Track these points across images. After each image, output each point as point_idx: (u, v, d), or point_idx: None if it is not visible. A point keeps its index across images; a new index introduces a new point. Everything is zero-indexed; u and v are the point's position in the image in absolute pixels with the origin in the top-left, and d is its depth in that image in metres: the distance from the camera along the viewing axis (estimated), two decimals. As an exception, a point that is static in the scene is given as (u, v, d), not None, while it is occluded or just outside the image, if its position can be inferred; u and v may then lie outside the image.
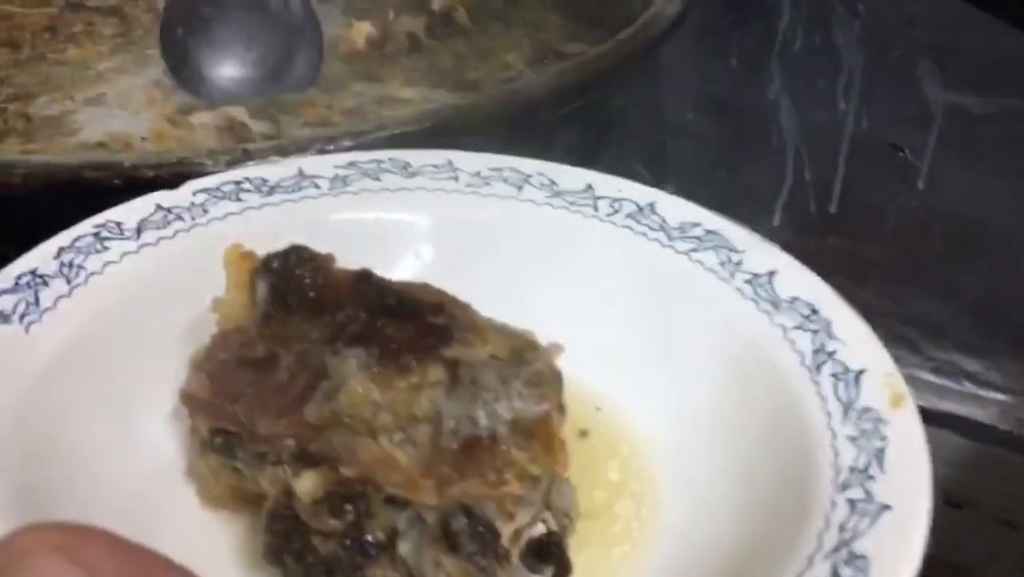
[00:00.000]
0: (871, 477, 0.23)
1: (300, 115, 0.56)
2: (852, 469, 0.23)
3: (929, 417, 0.77)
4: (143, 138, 0.54)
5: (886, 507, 0.22)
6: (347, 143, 0.39)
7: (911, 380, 0.83)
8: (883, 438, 0.23)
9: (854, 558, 0.21)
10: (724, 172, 0.80)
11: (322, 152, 0.37)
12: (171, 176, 0.36)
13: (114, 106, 0.58)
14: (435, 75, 0.63)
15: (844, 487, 0.23)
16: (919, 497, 0.22)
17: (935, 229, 0.74)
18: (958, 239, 0.74)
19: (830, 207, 0.77)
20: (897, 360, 0.80)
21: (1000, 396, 0.77)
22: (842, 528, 0.21)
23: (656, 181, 0.80)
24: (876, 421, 0.24)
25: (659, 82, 0.78)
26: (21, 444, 0.23)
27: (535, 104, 0.43)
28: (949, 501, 0.82)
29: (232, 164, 0.37)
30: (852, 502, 0.22)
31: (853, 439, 0.24)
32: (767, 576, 0.21)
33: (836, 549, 0.21)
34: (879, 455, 0.23)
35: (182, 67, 0.55)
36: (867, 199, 0.75)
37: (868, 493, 0.22)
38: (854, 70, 0.72)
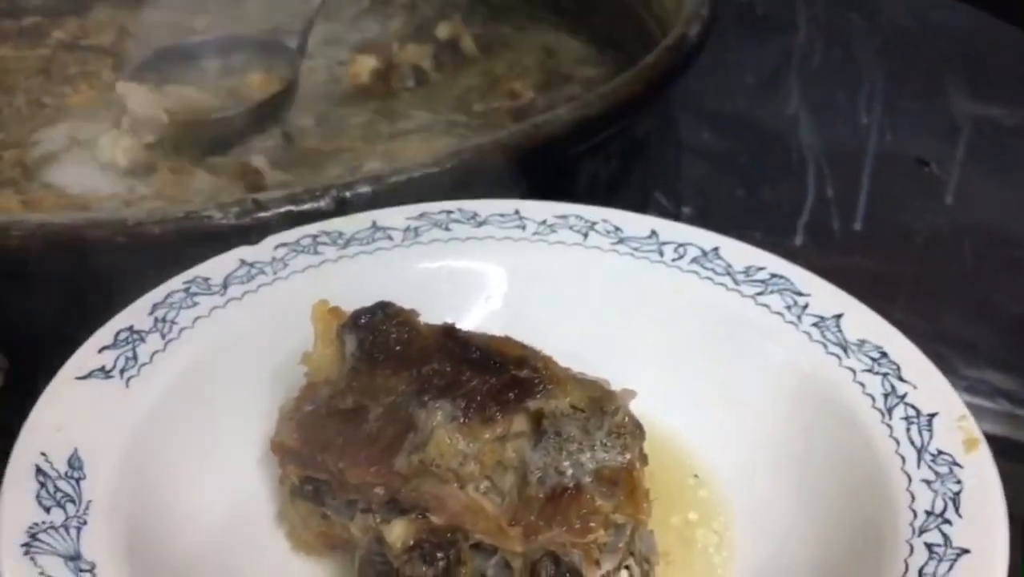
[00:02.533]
0: (948, 521, 0.24)
1: (320, 164, 0.54)
2: (929, 513, 0.24)
3: (965, 438, 0.73)
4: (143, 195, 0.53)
5: (965, 551, 0.23)
6: (364, 188, 0.39)
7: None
8: (958, 482, 0.25)
9: None
10: (743, 192, 0.80)
11: (338, 199, 0.37)
12: (176, 232, 0.36)
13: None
14: (444, 108, 0.63)
15: (922, 532, 0.24)
16: (996, 540, 0.23)
17: (965, 245, 0.74)
18: (990, 255, 0.73)
19: (854, 224, 0.77)
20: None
21: (1037, 415, 0.75)
22: (921, 572, 0.23)
23: (674, 203, 0.78)
24: (951, 465, 0.25)
25: (674, 102, 0.76)
26: (127, 492, 0.25)
27: (559, 139, 0.41)
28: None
29: (242, 215, 0.37)
30: (930, 547, 0.23)
31: (928, 483, 0.25)
32: None
33: None
34: (955, 499, 0.24)
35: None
36: (893, 216, 0.76)
37: (946, 537, 0.23)
38: (876, 83, 0.73)
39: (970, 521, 0.24)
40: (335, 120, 0.61)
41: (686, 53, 0.51)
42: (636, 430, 0.25)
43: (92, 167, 0.55)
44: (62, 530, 0.24)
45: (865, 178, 0.75)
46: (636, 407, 0.26)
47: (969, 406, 0.80)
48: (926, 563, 0.23)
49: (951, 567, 0.22)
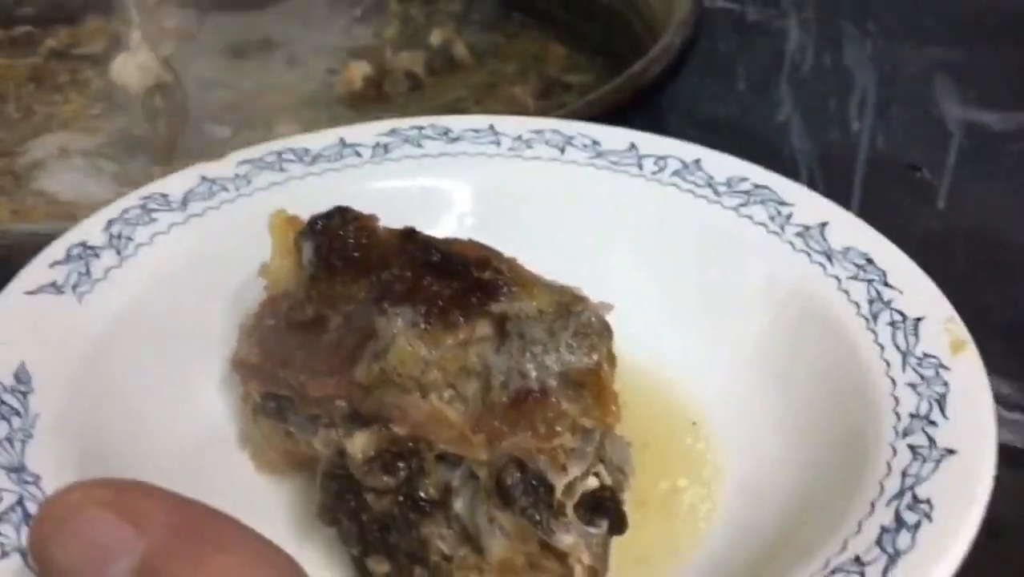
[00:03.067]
0: (933, 423, 0.23)
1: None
2: (913, 416, 0.23)
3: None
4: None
5: (950, 452, 0.22)
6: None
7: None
8: (945, 384, 0.24)
9: (917, 502, 0.21)
10: None
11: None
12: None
13: (104, 159, 0.58)
14: (437, 113, 0.62)
15: (906, 434, 0.23)
16: (984, 441, 0.23)
17: (958, 250, 0.74)
18: (983, 259, 0.73)
19: (847, 230, 0.77)
20: (924, 385, 0.77)
21: (1033, 420, 0.76)
22: (904, 474, 0.22)
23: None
24: (937, 367, 0.25)
25: (664, 109, 0.77)
26: (80, 409, 0.25)
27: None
28: (987, 530, 0.80)
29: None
30: (914, 448, 0.23)
31: (914, 386, 0.24)
32: (829, 523, 0.22)
33: (899, 494, 0.21)
34: (941, 401, 0.24)
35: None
36: (886, 221, 0.74)
37: (931, 439, 0.23)
38: (867, 89, 0.72)
39: (956, 422, 0.23)
40: (326, 126, 0.62)
41: (673, 60, 0.52)
42: (604, 331, 0.24)
43: (83, 173, 0.56)
44: (6, 443, 0.23)
45: (857, 183, 0.74)
46: (615, 322, 0.25)
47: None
48: (909, 464, 0.22)
49: (936, 467, 0.22)
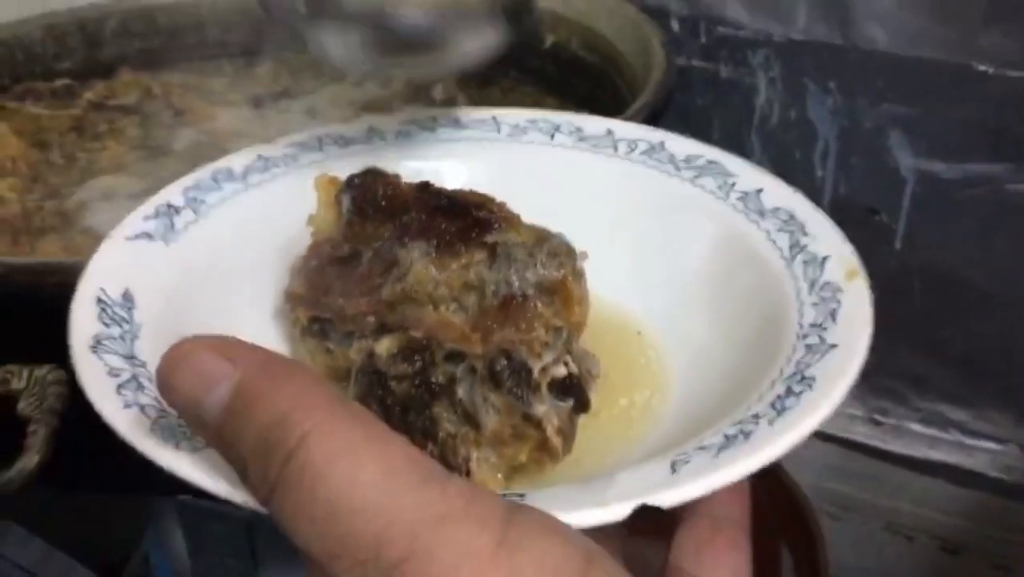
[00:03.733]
0: (824, 328, 0.29)
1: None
2: (812, 325, 0.29)
3: (921, 466, 0.81)
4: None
5: (833, 346, 0.28)
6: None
7: (900, 430, 0.88)
8: (838, 301, 0.30)
9: (804, 379, 0.27)
10: None
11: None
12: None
13: (138, 199, 0.61)
14: None
15: (805, 336, 0.29)
16: (860, 337, 0.29)
17: (915, 286, 0.79)
18: (937, 295, 0.79)
19: (815, 268, 0.81)
20: (885, 412, 0.84)
21: (988, 444, 0.82)
22: (799, 362, 0.28)
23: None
24: (834, 290, 0.31)
25: None
26: (168, 321, 0.31)
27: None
28: (946, 548, 0.85)
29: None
30: (809, 346, 0.29)
31: (815, 304, 0.30)
32: (745, 398, 0.28)
33: (792, 375, 0.28)
34: (833, 313, 0.30)
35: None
36: None
37: (822, 338, 0.29)
38: (829, 140, 0.77)
39: (841, 327, 0.29)
40: None
41: (649, 119, 0.55)
42: (570, 253, 0.30)
43: (126, 213, 0.61)
44: (119, 340, 0.29)
45: None
46: (593, 265, 0.31)
47: (921, 436, 0.85)
48: (803, 356, 0.28)
49: (821, 357, 0.28)
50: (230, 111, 0.74)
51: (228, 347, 0.23)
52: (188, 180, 0.36)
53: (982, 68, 0.69)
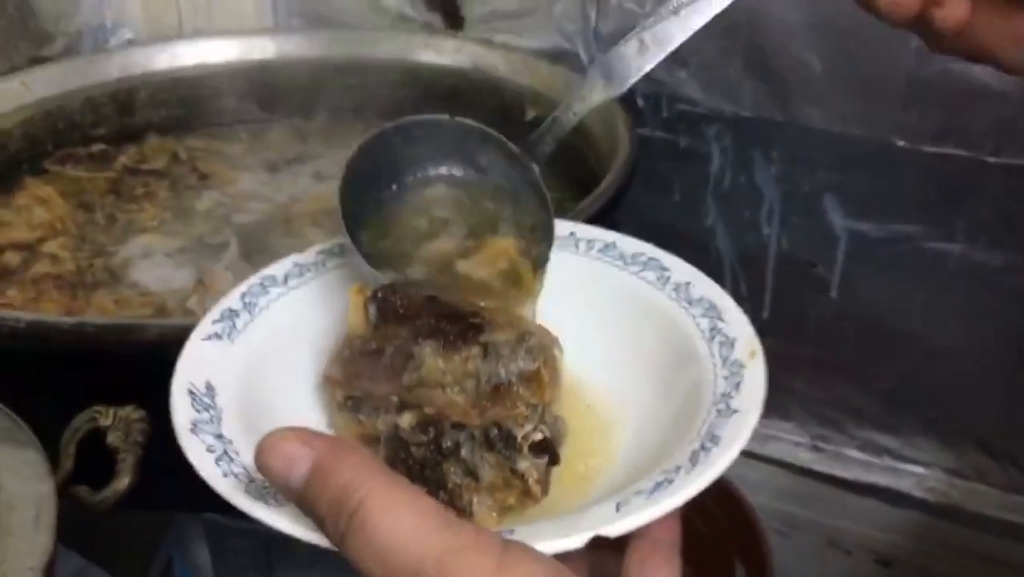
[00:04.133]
0: (731, 397, 0.37)
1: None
2: (723, 394, 0.37)
3: (858, 488, 0.92)
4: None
5: (736, 411, 0.36)
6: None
7: (838, 456, 0.99)
8: (741, 376, 0.38)
9: (713, 438, 0.35)
10: None
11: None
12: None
13: (182, 256, 0.70)
14: None
15: (716, 404, 0.37)
16: (755, 405, 0.36)
17: (849, 330, 0.88)
18: (868, 338, 0.87)
19: (763, 313, 0.91)
20: (826, 439, 0.94)
21: (915, 468, 0.91)
22: (711, 424, 0.36)
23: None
24: (739, 366, 0.38)
25: (616, 217, 0.90)
26: (241, 404, 0.38)
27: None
28: (879, 561, 0.95)
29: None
30: (719, 411, 0.36)
31: (726, 377, 0.38)
32: (672, 454, 0.35)
33: (705, 435, 0.35)
34: (738, 385, 0.37)
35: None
36: (792, 307, 0.89)
37: (728, 406, 0.36)
38: (774, 203, 0.85)
39: (743, 396, 0.36)
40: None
41: (614, 197, 0.63)
42: (542, 349, 0.38)
43: (166, 268, 0.68)
44: (210, 423, 0.36)
45: (769, 276, 0.87)
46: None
47: (857, 461, 0.95)
48: (715, 419, 0.35)
49: (727, 420, 0.35)
50: (248, 175, 0.82)
51: (305, 436, 0.31)
52: (243, 287, 0.43)
53: (901, 143, 0.76)
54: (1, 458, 0.42)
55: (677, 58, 0.82)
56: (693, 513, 0.88)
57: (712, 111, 0.83)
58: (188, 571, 0.79)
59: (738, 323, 0.40)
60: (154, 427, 0.46)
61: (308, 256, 0.45)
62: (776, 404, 0.93)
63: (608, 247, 0.45)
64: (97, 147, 0.85)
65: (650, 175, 0.87)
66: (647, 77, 0.87)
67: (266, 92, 0.91)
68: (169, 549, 0.80)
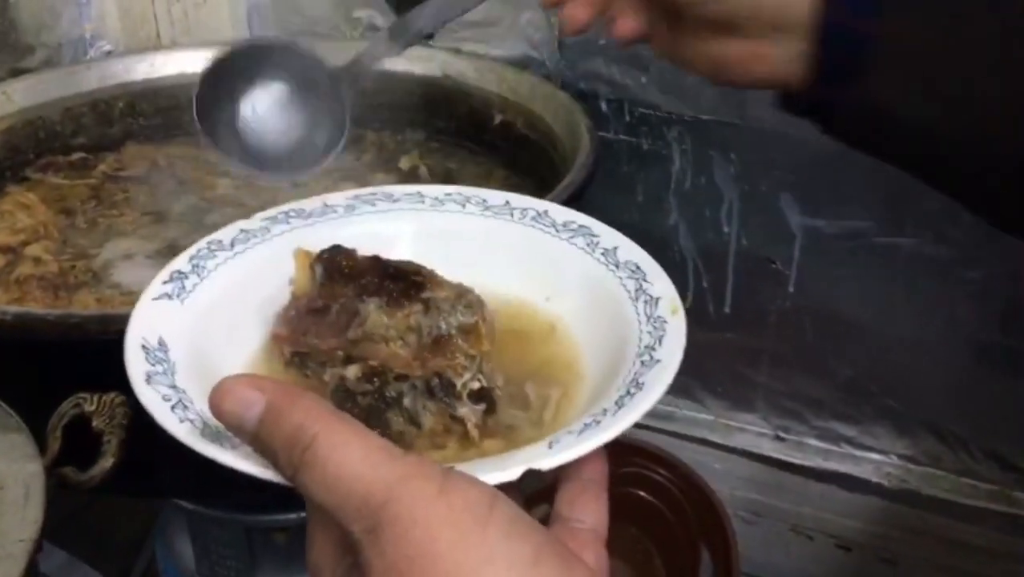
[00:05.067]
0: (654, 349, 0.39)
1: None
2: (647, 347, 0.40)
3: (817, 475, 0.96)
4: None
5: (658, 361, 0.39)
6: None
7: (800, 445, 1.02)
8: (664, 330, 0.40)
9: (637, 384, 0.37)
10: None
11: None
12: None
13: (161, 258, 0.70)
14: None
15: (641, 356, 0.39)
16: (675, 354, 0.39)
17: (806, 323, 0.91)
18: (825, 330, 0.90)
19: (725, 308, 0.94)
20: (787, 429, 0.98)
21: (873, 455, 0.94)
22: (636, 373, 0.38)
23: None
24: (662, 323, 0.41)
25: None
26: (192, 357, 0.40)
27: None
28: (840, 545, 0.98)
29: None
30: (643, 362, 0.39)
31: (650, 332, 0.40)
32: (602, 398, 0.37)
33: (631, 382, 0.38)
34: (660, 339, 0.40)
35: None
36: (752, 301, 0.92)
37: (652, 356, 0.39)
38: (733, 202, 0.87)
39: (665, 348, 0.38)
40: None
41: (574, 194, 0.64)
42: (480, 304, 0.41)
43: (146, 269, 0.68)
44: (164, 375, 0.37)
45: (730, 271, 0.89)
46: (499, 298, 0.42)
47: (818, 450, 0.98)
48: (639, 369, 0.38)
49: (650, 369, 0.37)
50: (227, 181, 0.82)
51: (257, 381, 0.33)
52: (192, 251, 0.44)
53: None
54: (-9, 442, 0.44)
55: (638, 63, 0.86)
56: (660, 501, 0.91)
57: (673, 114, 0.85)
58: (172, 564, 0.80)
59: (661, 284, 0.43)
60: (136, 413, 0.48)
61: (253, 223, 0.47)
62: (739, 396, 0.96)
63: (541, 215, 0.48)
64: (77, 155, 0.86)
65: (614, 177, 0.90)
66: (610, 82, 0.90)
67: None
68: (152, 543, 0.82)
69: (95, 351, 0.43)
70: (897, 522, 0.90)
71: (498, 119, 0.86)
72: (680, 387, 0.95)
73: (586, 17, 0.51)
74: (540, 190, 0.76)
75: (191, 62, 0.91)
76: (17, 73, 0.89)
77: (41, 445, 0.46)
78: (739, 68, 0.48)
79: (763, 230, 0.87)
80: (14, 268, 0.70)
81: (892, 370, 0.87)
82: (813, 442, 0.93)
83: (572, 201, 0.65)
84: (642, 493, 0.92)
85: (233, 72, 0.49)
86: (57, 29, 0.94)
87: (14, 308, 0.54)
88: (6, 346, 0.54)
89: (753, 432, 0.95)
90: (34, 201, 0.78)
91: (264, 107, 0.49)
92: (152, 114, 0.91)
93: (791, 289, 0.88)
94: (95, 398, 0.49)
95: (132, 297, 0.62)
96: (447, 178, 0.84)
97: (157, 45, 0.99)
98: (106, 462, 0.47)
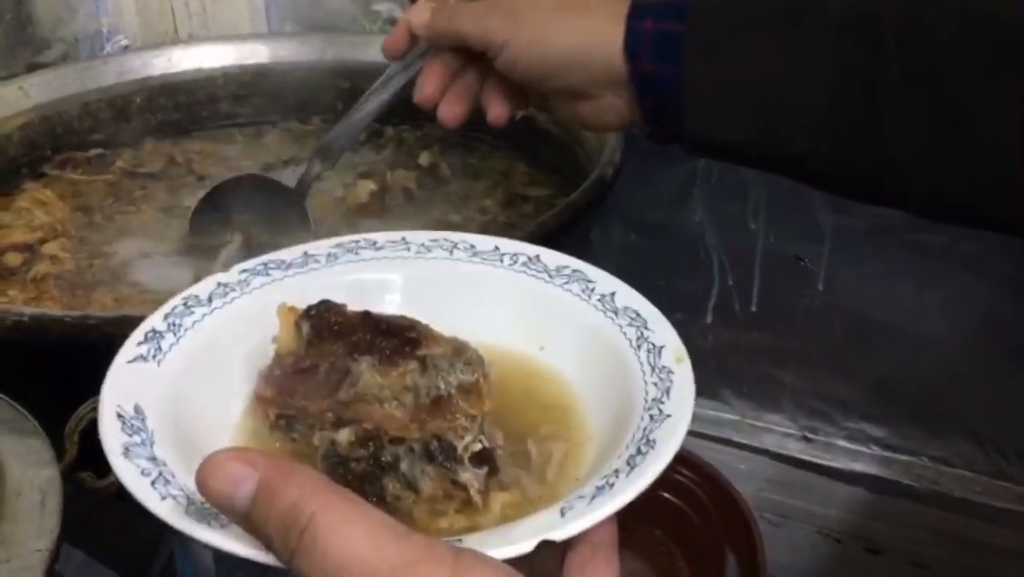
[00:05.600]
0: (662, 402, 0.37)
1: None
2: (654, 399, 0.38)
3: (847, 477, 0.94)
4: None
5: (668, 415, 0.37)
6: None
7: (828, 446, 1.00)
8: (671, 381, 0.38)
9: (648, 441, 0.36)
10: (663, 282, 0.94)
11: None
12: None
13: (177, 257, 0.71)
14: (428, 221, 0.76)
15: (649, 409, 0.37)
16: (686, 407, 0.37)
17: (835, 322, 0.89)
18: (854, 329, 0.89)
19: (751, 307, 0.92)
20: (815, 430, 0.96)
21: (902, 456, 0.92)
22: (645, 429, 0.36)
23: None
24: (668, 373, 0.39)
25: (607, 212, 0.91)
26: (171, 424, 0.38)
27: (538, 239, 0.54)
28: (869, 548, 0.96)
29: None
30: (652, 416, 0.37)
31: (656, 384, 0.39)
32: (611, 458, 0.36)
33: (640, 439, 0.36)
34: (668, 390, 0.38)
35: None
36: (779, 300, 0.90)
37: (660, 410, 0.37)
38: (760, 199, 0.86)
39: (674, 400, 0.37)
40: (341, 230, 0.74)
41: (601, 190, 0.64)
42: (480, 361, 0.38)
43: (162, 268, 0.69)
44: (141, 445, 0.35)
45: (757, 271, 0.88)
46: (492, 349, 0.40)
47: (846, 451, 0.96)
48: (648, 424, 0.36)
49: (660, 424, 0.36)
50: None
51: (247, 456, 0.31)
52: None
53: None
54: (7, 446, 0.43)
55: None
56: (683, 503, 0.90)
57: (698, 108, 0.84)
58: (190, 566, 0.79)
59: (663, 331, 0.41)
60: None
61: (231, 276, 0.45)
62: (766, 396, 0.94)
63: (532, 260, 0.45)
64: (95, 151, 0.86)
65: (639, 174, 0.88)
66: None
67: (261, 96, 0.92)
68: (171, 544, 0.81)
69: (113, 353, 0.42)
70: (928, 525, 0.89)
71: (520, 113, 0.84)
72: (705, 387, 0.93)
73: (462, 112, 0.61)
74: (563, 186, 0.77)
75: (209, 56, 0.91)
76: (34, 68, 0.88)
77: (58, 450, 0.45)
78: (594, 119, 0.58)
79: (791, 227, 0.85)
80: (31, 266, 0.69)
81: (923, 370, 0.85)
82: (841, 443, 0.92)
83: (598, 198, 0.64)
84: (665, 494, 0.91)
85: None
86: (74, 23, 0.93)
87: (31, 309, 0.53)
88: (23, 348, 0.53)
89: (779, 433, 0.94)
90: (51, 198, 0.78)
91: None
92: (170, 109, 0.92)
93: (820, 287, 0.86)
94: (114, 401, 0.48)
95: (150, 296, 0.63)
96: (467, 174, 0.84)
97: (174, 39, 0.98)
98: (124, 469, 0.45)
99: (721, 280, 0.91)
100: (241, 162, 0.86)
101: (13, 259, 0.70)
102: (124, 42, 0.97)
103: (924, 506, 0.89)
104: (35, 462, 0.43)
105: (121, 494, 0.47)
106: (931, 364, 0.84)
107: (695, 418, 0.37)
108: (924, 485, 0.89)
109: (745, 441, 0.95)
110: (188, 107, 0.91)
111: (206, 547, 0.32)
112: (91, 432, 0.47)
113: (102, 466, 0.47)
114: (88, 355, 0.51)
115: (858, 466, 0.91)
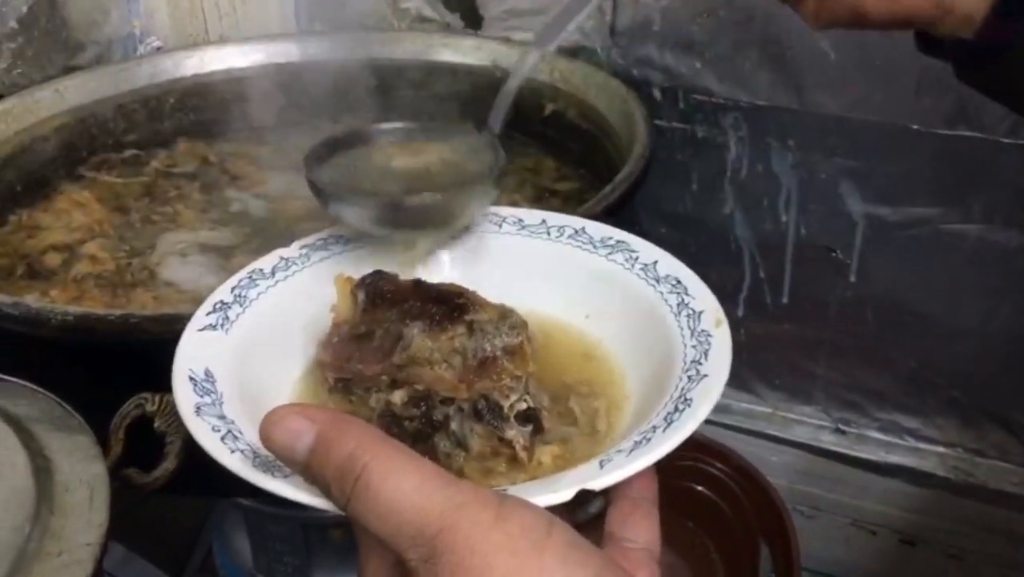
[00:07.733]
0: (700, 363, 0.39)
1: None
2: (693, 361, 0.39)
3: (881, 469, 0.94)
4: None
5: (705, 376, 0.38)
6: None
7: (861, 438, 1.00)
8: (709, 344, 0.40)
9: (685, 400, 0.37)
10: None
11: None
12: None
13: (214, 256, 0.72)
14: None
15: (687, 370, 0.39)
16: (723, 369, 0.38)
17: (868, 313, 0.89)
18: (887, 320, 0.89)
19: (783, 298, 0.92)
20: (848, 422, 0.96)
21: (937, 448, 0.92)
22: (683, 389, 0.38)
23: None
24: (707, 336, 0.40)
25: (638, 205, 0.91)
26: (238, 387, 0.40)
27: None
28: (904, 540, 0.96)
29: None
30: (690, 376, 0.39)
31: (695, 346, 0.40)
32: (650, 415, 0.37)
33: (678, 398, 0.37)
34: (706, 352, 0.39)
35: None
36: (811, 291, 0.90)
37: (697, 371, 0.39)
38: (791, 190, 0.86)
39: (711, 362, 0.38)
40: None
41: (633, 185, 0.63)
42: (523, 325, 0.40)
43: (199, 267, 0.69)
44: (212, 405, 0.37)
45: (788, 262, 0.88)
46: (538, 318, 0.42)
47: (880, 443, 0.96)
48: (686, 384, 0.38)
49: (697, 384, 0.37)
50: (277, 175, 0.82)
51: (307, 410, 0.33)
52: (233, 280, 0.45)
53: (916, 127, 0.77)
54: (55, 443, 0.44)
55: (693, 50, 0.84)
56: (716, 495, 0.90)
57: (728, 101, 0.84)
58: (228, 558, 0.81)
59: (703, 296, 0.42)
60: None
61: (292, 250, 0.47)
62: (798, 388, 0.94)
63: (578, 232, 0.47)
64: (130, 152, 0.87)
65: (668, 166, 0.89)
66: (663, 69, 0.89)
67: (291, 95, 0.92)
68: (209, 537, 0.82)
69: (156, 351, 0.43)
70: (963, 516, 0.89)
71: (549, 108, 0.85)
72: (737, 379, 0.93)
73: None
74: (592, 181, 0.77)
75: (240, 57, 0.92)
76: (69, 71, 0.90)
77: (104, 446, 0.46)
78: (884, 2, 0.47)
79: (823, 218, 0.85)
80: (71, 266, 0.70)
81: (958, 360, 0.85)
82: (875, 435, 0.92)
83: (630, 193, 0.64)
84: (698, 487, 0.91)
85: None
86: (107, 26, 0.94)
87: (75, 309, 0.54)
88: (68, 347, 0.54)
89: (812, 424, 0.94)
90: (88, 199, 0.79)
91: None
92: (203, 110, 0.92)
93: (852, 278, 0.86)
94: (157, 398, 0.49)
95: (189, 295, 0.64)
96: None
97: (206, 40, 0.99)
98: (170, 464, 0.47)
99: (752, 272, 0.91)
100: (273, 161, 0.86)
101: (53, 259, 0.71)
102: (156, 44, 0.99)
103: (959, 497, 0.89)
104: (82, 458, 0.44)
105: (168, 487, 0.48)
106: (965, 355, 0.84)
107: (728, 411, 0.38)
108: (959, 476, 0.89)
109: (778, 433, 0.95)
110: (220, 107, 0.91)
111: (291, 507, 0.34)
112: (135, 428, 0.48)
113: (146, 461, 0.48)
114: (131, 353, 0.53)
115: (892, 458, 0.92)
